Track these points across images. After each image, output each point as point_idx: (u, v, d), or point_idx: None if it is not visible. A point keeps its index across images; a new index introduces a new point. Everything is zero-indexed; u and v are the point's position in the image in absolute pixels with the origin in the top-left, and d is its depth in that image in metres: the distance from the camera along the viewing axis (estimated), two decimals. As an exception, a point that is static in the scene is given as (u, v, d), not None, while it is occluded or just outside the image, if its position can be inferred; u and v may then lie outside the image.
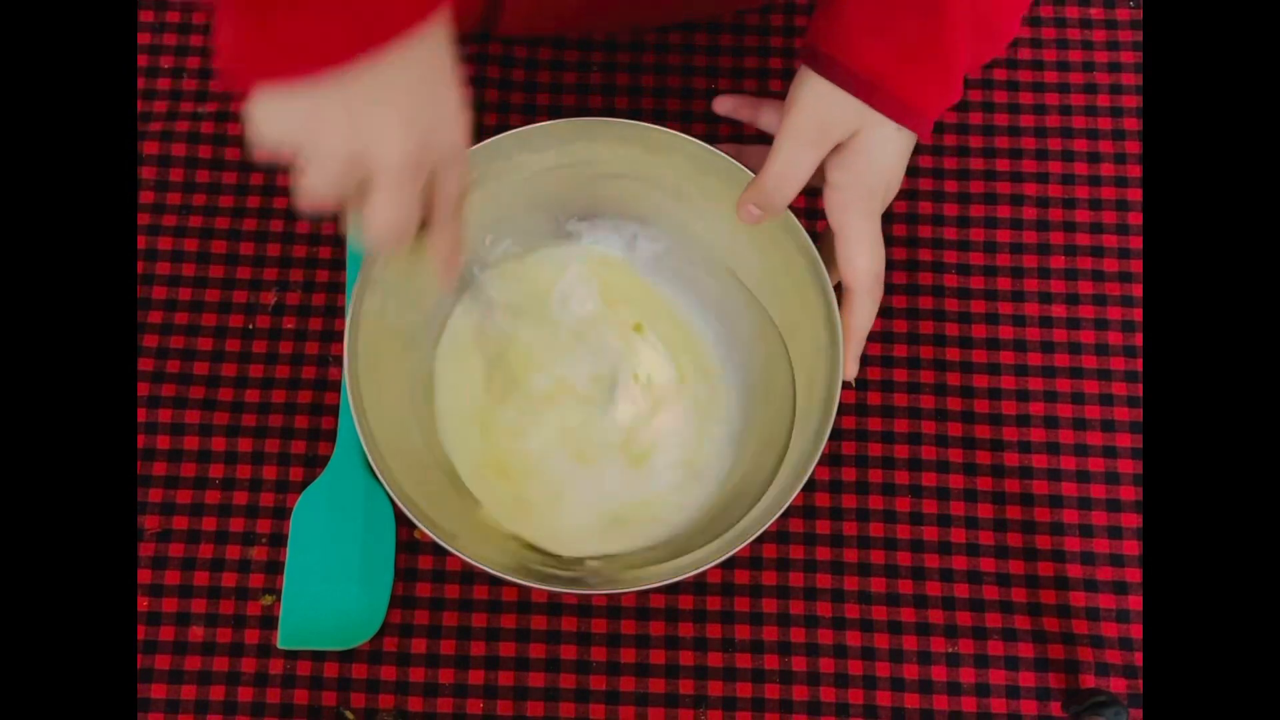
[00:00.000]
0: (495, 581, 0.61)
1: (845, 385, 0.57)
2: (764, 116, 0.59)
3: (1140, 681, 0.60)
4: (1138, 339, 0.65)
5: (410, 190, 0.45)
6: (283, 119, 0.42)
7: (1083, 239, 0.67)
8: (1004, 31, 0.55)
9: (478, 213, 0.61)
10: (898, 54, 0.51)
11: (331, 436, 0.63)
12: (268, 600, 0.61)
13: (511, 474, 0.61)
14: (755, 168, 0.56)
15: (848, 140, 0.53)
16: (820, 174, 0.54)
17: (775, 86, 0.69)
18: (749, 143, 0.60)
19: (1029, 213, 0.68)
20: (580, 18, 0.66)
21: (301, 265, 0.66)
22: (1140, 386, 0.65)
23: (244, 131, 0.66)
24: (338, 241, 0.66)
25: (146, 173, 0.67)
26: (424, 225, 0.48)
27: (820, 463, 0.53)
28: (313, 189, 0.44)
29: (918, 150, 0.68)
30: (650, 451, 0.61)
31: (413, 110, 0.43)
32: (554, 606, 0.61)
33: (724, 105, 0.61)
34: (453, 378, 0.62)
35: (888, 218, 0.67)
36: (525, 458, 0.61)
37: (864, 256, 0.54)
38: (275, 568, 0.62)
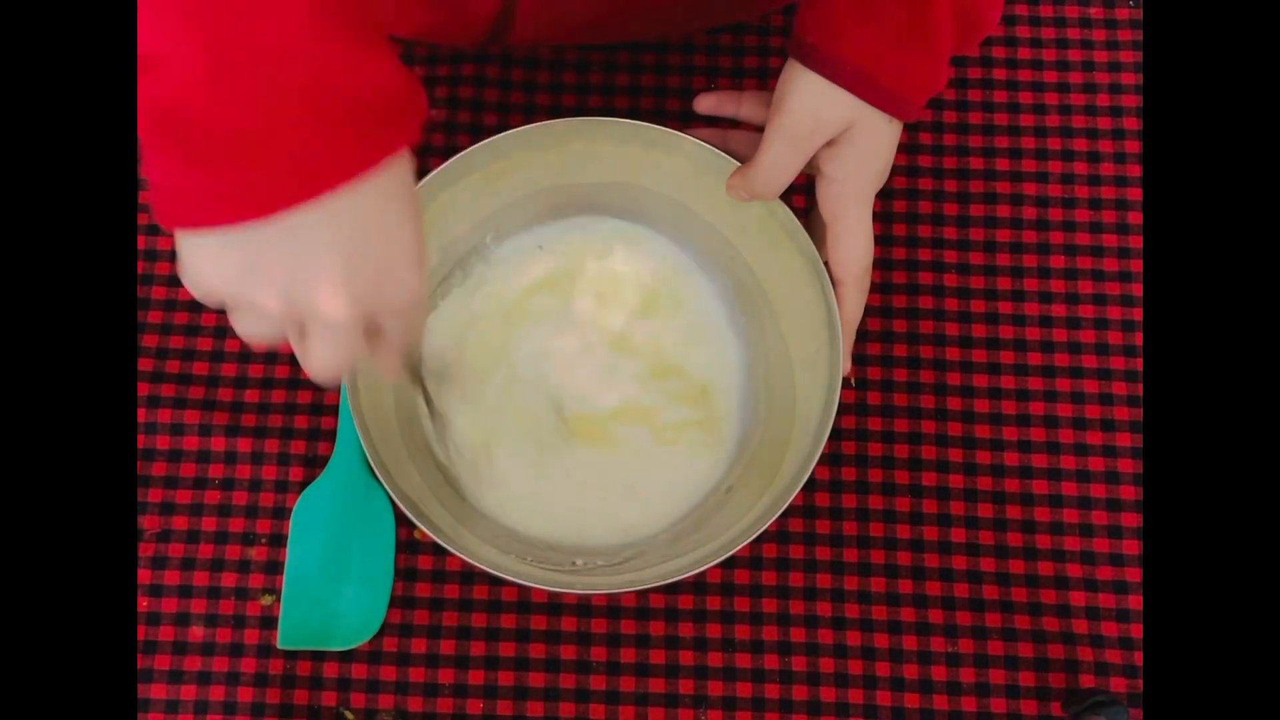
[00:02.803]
0: (495, 581, 0.61)
1: (844, 384, 0.57)
2: (746, 109, 0.59)
3: (1140, 681, 0.60)
4: (1137, 338, 0.65)
5: (348, 340, 0.41)
6: (217, 264, 0.38)
7: (1082, 239, 0.67)
8: (984, 21, 0.55)
9: (479, 213, 0.61)
10: (886, 41, 0.51)
11: (331, 436, 0.63)
12: (267, 600, 0.61)
13: (507, 463, 0.60)
14: (741, 153, 0.56)
15: (840, 134, 0.53)
16: (811, 163, 0.55)
17: (775, 87, 0.69)
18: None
19: (1029, 213, 0.68)
20: (592, 30, 0.66)
21: (301, 265, 0.66)
22: (1140, 386, 0.65)
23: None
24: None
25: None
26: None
27: (820, 463, 0.53)
28: (247, 334, 0.41)
29: (918, 150, 0.68)
30: (652, 441, 0.61)
31: (358, 259, 0.38)
32: (554, 606, 0.61)
33: (705, 104, 0.61)
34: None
35: (888, 218, 0.67)
36: (523, 447, 0.61)
37: (859, 248, 0.55)
38: (275, 568, 0.62)
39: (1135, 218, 0.68)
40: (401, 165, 0.39)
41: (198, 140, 0.35)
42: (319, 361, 0.41)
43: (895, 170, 0.68)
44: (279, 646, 0.60)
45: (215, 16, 0.34)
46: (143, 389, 0.64)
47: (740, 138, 0.59)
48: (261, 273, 0.38)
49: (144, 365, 0.64)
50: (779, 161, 0.53)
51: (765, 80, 0.70)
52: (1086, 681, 0.60)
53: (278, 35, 0.35)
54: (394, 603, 0.61)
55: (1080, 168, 0.68)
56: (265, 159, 0.35)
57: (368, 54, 0.37)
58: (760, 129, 0.55)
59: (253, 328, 0.41)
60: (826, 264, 0.56)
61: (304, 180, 0.36)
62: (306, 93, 0.35)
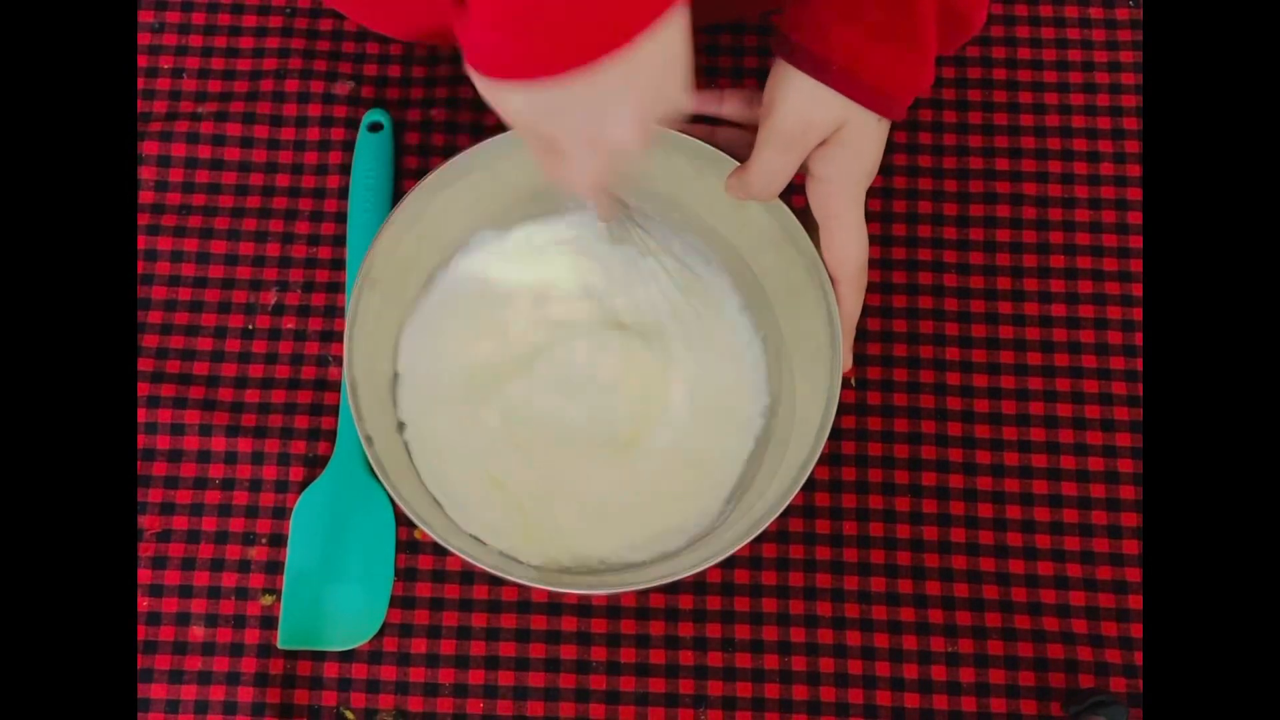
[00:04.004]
0: (495, 581, 0.61)
1: (844, 384, 0.57)
2: (729, 107, 0.60)
3: (1140, 681, 0.60)
4: (1137, 338, 0.65)
5: (626, 162, 0.46)
6: (530, 108, 0.43)
7: (1082, 239, 0.67)
8: (970, 21, 0.55)
9: (479, 213, 0.61)
10: (870, 40, 0.51)
11: (331, 436, 0.63)
12: (268, 600, 0.61)
13: (505, 481, 0.60)
14: (728, 148, 0.57)
15: (831, 134, 0.53)
16: (801, 165, 0.55)
17: (765, 89, 0.69)
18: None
19: (1028, 212, 0.68)
20: None
21: (301, 265, 0.66)
22: (1139, 386, 0.65)
23: (243, 133, 0.65)
24: (338, 241, 0.66)
25: (146, 173, 0.67)
26: None
27: (820, 462, 0.53)
28: (545, 161, 0.47)
29: (918, 150, 0.69)
30: (651, 450, 0.61)
31: (649, 99, 0.44)
32: (554, 606, 0.61)
33: None
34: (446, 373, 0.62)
35: (888, 218, 0.67)
36: (522, 460, 0.61)
37: (852, 246, 0.55)
38: (275, 568, 0.62)
39: (1135, 218, 0.68)
40: (681, 12, 0.43)
41: (520, 15, 0.40)
42: (590, 178, 0.47)
43: (895, 170, 0.68)
44: (279, 646, 0.60)
45: None
46: (143, 389, 0.64)
47: (727, 132, 0.59)
48: (571, 110, 0.43)
49: (144, 365, 0.64)
50: (773, 165, 0.54)
51: (765, 81, 0.69)
52: (1086, 681, 0.60)
53: None
54: (394, 603, 0.61)
55: (1080, 168, 0.68)
56: (583, 21, 0.40)
57: None
58: (744, 126, 0.56)
59: (547, 153, 0.47)
60: (823, 263, 0.56)
61: (613, 35, 0.40)
62: None
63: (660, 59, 0.42)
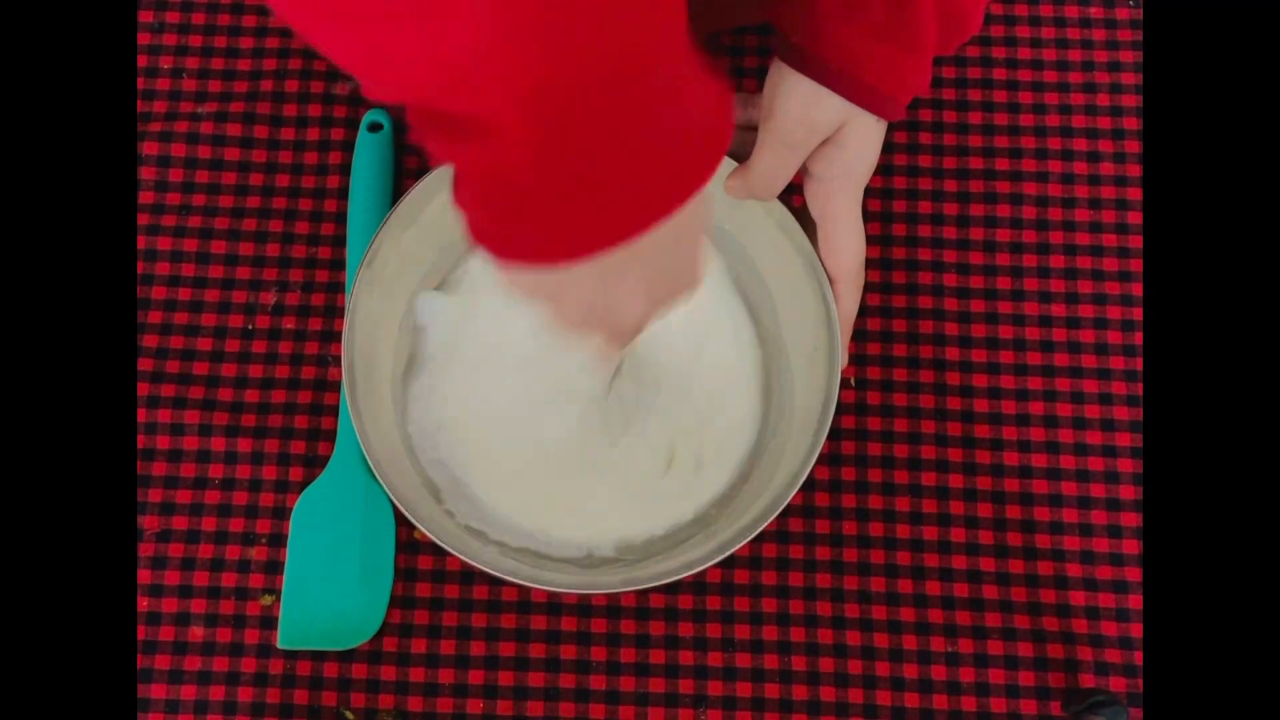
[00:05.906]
0: (495, 581, 0.61)
1: (844, 384, 0.57)
2: None
3: (1140, 680, 0.60)
4: (1137, 338, 0.65)
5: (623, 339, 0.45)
6: (537, 286, 0.41)
7: (1082, 238, 0.67)
8: (968, 22, 0.55)
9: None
10: (869, 41, 0.51)
11: (331, 436, 0.63)
12: (267, 600, 0.61)
13: (509, 470, 0.60)
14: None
15: (830, 135, 0.53)
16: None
17: (764, 90, 0.69)
18: None
19: (1028, 212, 0.68)
20: None
21: (301, 265, 0.66)
22: (1139, 385, 0.65)
23: (243, 133, 0.65)
24: (338, 241, 0.66)
25: (146, 173, 0.67)
26: None
27: (820, 462, 0.54)
28: (550, 322, 0.44)
29: (918, 150, 0.69)
30: (654, 446, 0.61)
31: (659, 274, 0.42)
32: (554, 606, 0.61)
33: None
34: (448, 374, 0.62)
35: (888, 218, 0.67)
36: (523, 453, 0.61)
37: (850, 246, 0.56)
38: (275, 568, 0.62)
39: (1135, 218, 0.68)
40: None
41: (520, 202, 0.36)
42: (572, 323, 0.43)
43: (895, 170, 0.68)
44: (279, 646, 0.60)
45: (554, 99, 0.33)
46: (143, 389, 0.64)
47: None
48: (578, 287, 0.40)
49: (144, 365, 0.64)
50: (774, 165, 0.54)
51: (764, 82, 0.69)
52: (1086, 681, 0.60)
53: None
54: (394, 603, 0.61)
55: (1080, 168, 0.68)
56: (594, 208, 0.36)
57: (696, 83, 0.37)
58: (741, 127, 0.56)
59: (553, 316, 0.43)
60: (820, 262, 0.56)
61: (627, 224, 0.37)
62: (629, 154, 0.35)
63: (672, 237, 0.39)
